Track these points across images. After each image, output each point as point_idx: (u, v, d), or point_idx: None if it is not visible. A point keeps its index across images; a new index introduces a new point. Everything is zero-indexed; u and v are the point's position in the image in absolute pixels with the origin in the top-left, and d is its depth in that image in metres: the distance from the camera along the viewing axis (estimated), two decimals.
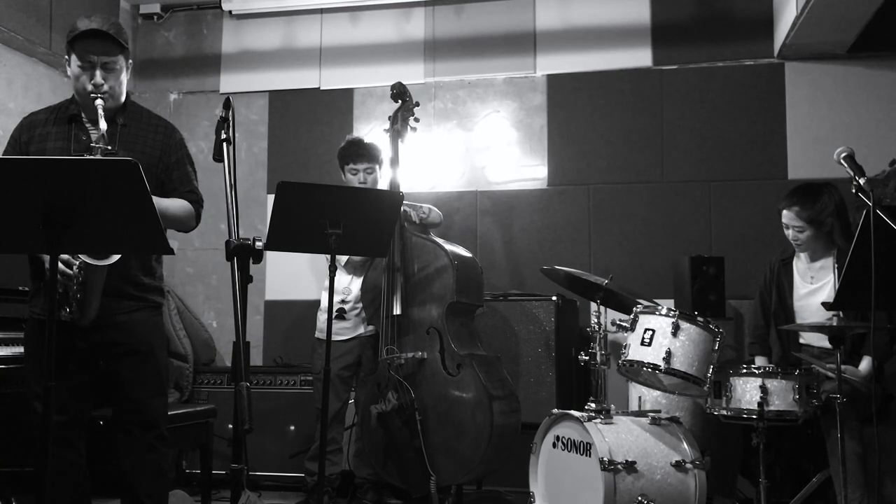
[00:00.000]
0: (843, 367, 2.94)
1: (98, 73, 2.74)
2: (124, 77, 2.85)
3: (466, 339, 3.66)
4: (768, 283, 3.68)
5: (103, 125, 2.65)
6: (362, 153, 4.06)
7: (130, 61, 2.90)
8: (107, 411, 3.00)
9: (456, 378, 3.49)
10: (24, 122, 2.87)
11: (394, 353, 3.59)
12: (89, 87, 2.74)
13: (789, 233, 3.52)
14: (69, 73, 2.82)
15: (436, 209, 4.06)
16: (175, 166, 2.92)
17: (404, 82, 3.94)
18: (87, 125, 2.82)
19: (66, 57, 2.82)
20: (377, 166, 4.10)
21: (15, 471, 3.25)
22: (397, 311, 3.64)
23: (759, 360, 3.66)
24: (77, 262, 2.57)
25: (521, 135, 5.02)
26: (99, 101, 2.69)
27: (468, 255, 3.82)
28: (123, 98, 2.88)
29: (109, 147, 2.64)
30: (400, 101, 3.90)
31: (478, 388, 3.45)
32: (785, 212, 3.50)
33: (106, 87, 2.75)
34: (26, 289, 3.13)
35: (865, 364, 3.29)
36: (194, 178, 2.99)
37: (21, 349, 3.24)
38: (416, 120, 3.89)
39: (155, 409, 2.87)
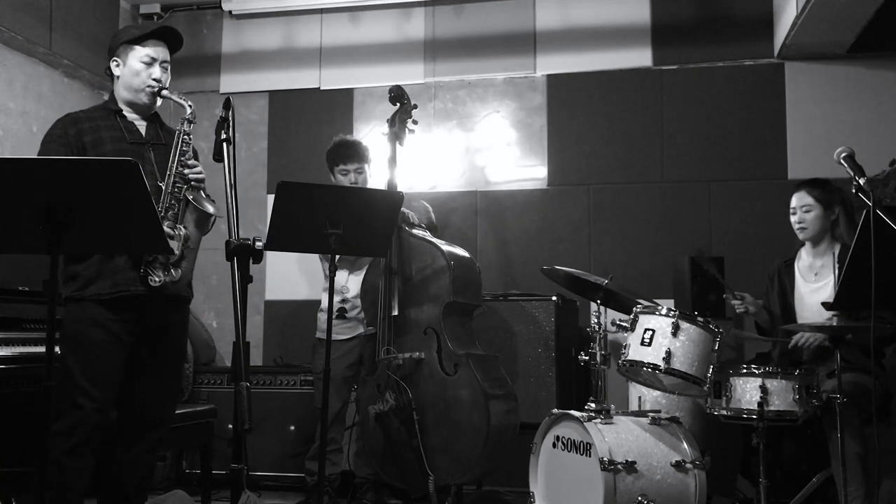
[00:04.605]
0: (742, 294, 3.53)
1: (158, 68, 2.92)
2: None
3: (464, 339, 3.66)
4: (769, 291, 3.69)
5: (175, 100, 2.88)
6: (352, 154, 4.05)
7: None
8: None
9: (453, 378, 3.49)
10: (67, 119, 2.92)
11: (391, 354, 3.59)
12: (150, 82, 2.89)
13: (795, 217, 3.56)
14: (121, 70, 2.93)
15: (429, 213, 4.10)
16: None
17: (404, 82, 3.95)
18: (132, 120, 2.96)
19: (117, 59, 2.93)
20: (367, 166, 4.09)
21: (15, 471, 3.25)
22: (395, 311, 3.64)
23: None
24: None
25: (521, 135, 5.02)
26: (165, 92, 2.89)
27: (466, 255, 3.81)
28: None
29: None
30: (398, 104, 3.88)
31: (474, 388, 3.44)
32: (795, 195, 3.59)
33: (166, 83, 2.93)
34: (26, 288, 3.13)
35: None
36: None
37: (21, 349, 3.23)
38: (415, 122, 3.88)
39: (172, 411, 3.01)
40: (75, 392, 2.67)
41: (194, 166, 2.84)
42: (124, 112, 2.95)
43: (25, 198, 1.99)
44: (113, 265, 2.75)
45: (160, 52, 2.94)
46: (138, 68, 2.90)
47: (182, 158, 2.83)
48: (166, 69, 2.96)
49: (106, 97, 3.11)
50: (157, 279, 2.72)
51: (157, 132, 2.99)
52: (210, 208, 2.83)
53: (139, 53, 2.91)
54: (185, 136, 2.86)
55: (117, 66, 2.94)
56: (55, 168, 2.06)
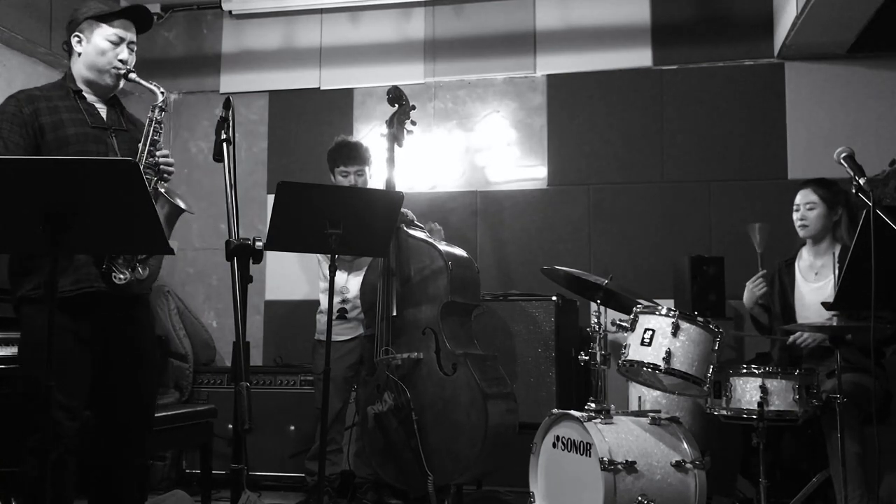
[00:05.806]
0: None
1: (125, 49, 2.77)
2: None
3: (463, 339, 3.65)
4: (769, 290, 3.69)
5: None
6: (353, 155, 4.06)
7: None
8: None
9: (451, 377, 3.49)
10: (21, 96, 2.72)
11: (390, 354, 3.59)
12: (116, 63, 2.74)
13: (797, 214, 3.57)
14: (83, 47, 2.75)
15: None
16: None
17: (404, 82, 3.95)
18: (92, 102, 2.79)
19: (80, 35, 2.75)
20: (367, 168, 4.09)
21: (15, 471, 3.25)
22: (394, 312, 3.63)
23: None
24: None
25: (521, 135, 5.02)
26: (133, 76, 2.74)
27: (464, 255, 3.81)
28: None
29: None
30: (396, 105, 3.88)
31: (472, 388, 3.44)
32: (800, 192, 3.60)
33: (132, 66, 2.77)
34: None
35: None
36: None
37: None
38: (413, 123, 3.88)
39: (153, 411, 2.91)
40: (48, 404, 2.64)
41: (165, 155, 2.69)
42: (84, 93, 2.77)
43: (25, 198, 1.98)
44: (75, 261, 2.60)
45: (129, 32, 2.76)
46: (104, 47, 2.72)
47: (152, 148, 2.67)
48: (133, 51, 2.78)
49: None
50: (122, 277, 2.56)
51: (119, 118, 2.82)
52: (182, 203, 2.69)
53: (106, 32, 2.72)
54: (157, 125, 2.69)
55: (79, 42, 2.75)
56: (55, 168, 2.05)
